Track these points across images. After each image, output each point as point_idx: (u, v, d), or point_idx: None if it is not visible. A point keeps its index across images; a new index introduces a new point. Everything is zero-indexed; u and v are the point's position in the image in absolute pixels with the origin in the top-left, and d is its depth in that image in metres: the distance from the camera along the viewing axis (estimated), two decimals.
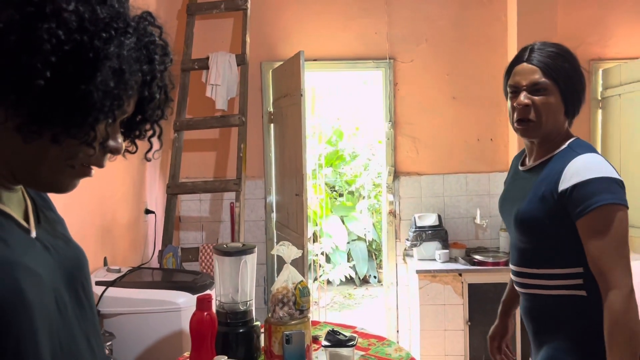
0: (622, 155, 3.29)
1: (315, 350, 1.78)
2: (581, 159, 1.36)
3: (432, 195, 3.69)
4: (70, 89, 0.63)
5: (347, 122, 6.46)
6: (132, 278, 2.39)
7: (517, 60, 1.48)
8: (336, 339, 1.66)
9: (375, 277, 6.22)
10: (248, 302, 1.81)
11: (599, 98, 3.58)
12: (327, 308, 5.41)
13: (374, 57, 3.67)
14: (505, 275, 3.14)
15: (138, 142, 0.80)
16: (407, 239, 3.55)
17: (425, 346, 3.25)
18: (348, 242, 6.06)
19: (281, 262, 3.41)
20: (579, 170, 1.33)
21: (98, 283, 2.09)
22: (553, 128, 1.44)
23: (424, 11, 3.67)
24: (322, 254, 5.69)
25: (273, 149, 3.70)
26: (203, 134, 3.59)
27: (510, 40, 3.60)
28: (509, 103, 1.50)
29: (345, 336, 1.68)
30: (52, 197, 0.82)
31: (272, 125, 3.69)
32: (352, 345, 1.63)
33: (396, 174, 3.70)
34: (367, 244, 6.15)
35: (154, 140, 0.79)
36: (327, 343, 1.66)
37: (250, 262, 1.81)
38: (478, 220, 3.57)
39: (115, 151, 0.73)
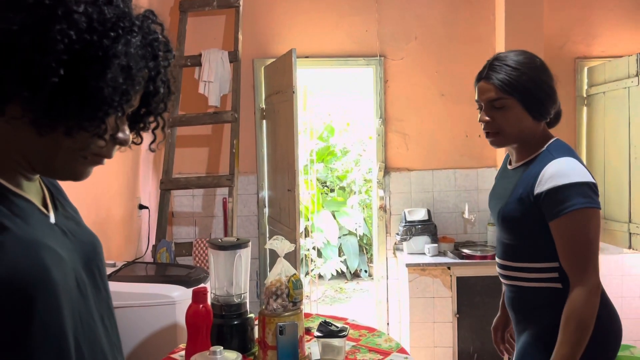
0: (606, 151, 3.37)
1: (308, 341, 1.83)
2: (556, 164, 1.42)
3: (422, 191, 3.75)
4: (81, 86, 0.67)
5: (338, 118, 6.51)
6: (127, 272, 2.42)
7: (478, 76, 1.53)
8: (328, 330, 1.71)
9: (366, 271, 6.28)
10: (242, 295, 1.86)
11: (584, 95, 3.66)
12: (319, 302, 5.47)
13: (364, 55, 3.72)
14: (492, 269, 3.17)
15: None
16: (397, 234, 3.61)
17: (415, 338, 3.32)
18: (339, 237, 6.12)
19: (273, 256, 3.46)
20: (553, 175, 1.40)
21: None
22: (522, 135, 1.50)
23: (413, 9, 3.72)
24: (313, 248, 5.74)
25: (265, 145, 3.74)
26: (196, 130, 3.62)
27: (498, 38, 3.66)
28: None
29: (337, 327, 1.73)
30: None
31: (264, 121, 3.73)
32: (344, 336, 1.69)
33: (386, 170, 3.75)
34: (358, 238, 6.21)
35: (158, 131, 0.84)
36: (319, 334, 1.71)
37: (245, 256, 1.85)
38: (466, 215, 3.64)
39: (124, 142, 0.77)
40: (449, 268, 3.30)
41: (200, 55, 3.42)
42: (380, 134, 3.75)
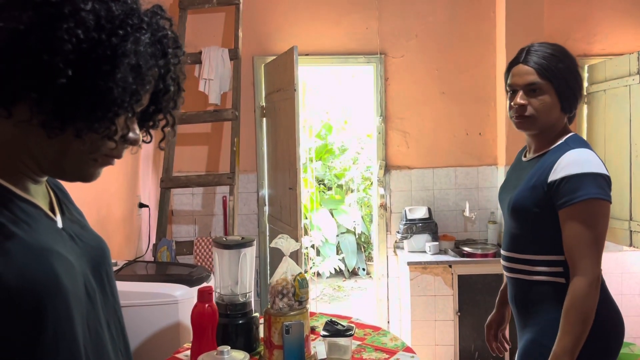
0: (606, 149, 3.38)
1: (313, 340, 1.82)
2: (573, 153, 1.44)
3: (422, 189, 3.75)
4: (90, 86, 0.65)
5: (336, 116, 6.50)
6: (128, 271, 2.41)
7: (515, 61, 1.56)
8: (334, 329, 1.70)
9: (364, 269, 6.28)
10: (247, 294, 1.85)
11: (585, 93, 3.66)
12: (317, 300, 5.46)
13: (365, 52, 3.70)
14: (493, 267, 3.22)
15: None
16: (398, 232, 3.61)
17: (416, 336, 3.31)
18: (337, 235, 6.11)
19: (275, 255, 3.45)
20: (569, 164, 1.41)
21: None
22: (548, 123, 1.52)
23: (414, 7, 3.71)
24: (312, 246, 5.73)
25: (265, 143, 3.72)
26: (195, 128, 3.60)
27: (499, 36, 3.66)
28: (508, 101, 1.58)
29: (343, 326, 1.73)
30: None
31: (264, 119, 3.71)
32: (350, 335, 1.68)
33: (387, 168, 3.75)
34: (356, 236, 6.21)
35: (167, 129, 0.82)
36: (325, 333, 1.70)
37: (250, 254, 1.84)
38: (467, 213, 3.64)
39: (135, 142, 0.75)
40: (450, 266, 3.30)
41: (200, 52, 3.40)
42: (381, 132, 3.74)
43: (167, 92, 0.76)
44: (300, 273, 1.71)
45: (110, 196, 2.67)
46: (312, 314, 2.06)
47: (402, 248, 3.60)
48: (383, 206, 3.76)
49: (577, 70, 1.53)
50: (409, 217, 3.57)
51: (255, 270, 3.68)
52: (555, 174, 1.42)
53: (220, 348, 1.48)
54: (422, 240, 3.50)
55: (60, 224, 0.76)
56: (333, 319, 1.80)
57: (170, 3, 3.61)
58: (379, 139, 3.74)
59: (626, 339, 3.28)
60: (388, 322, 3.79)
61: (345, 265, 6.16)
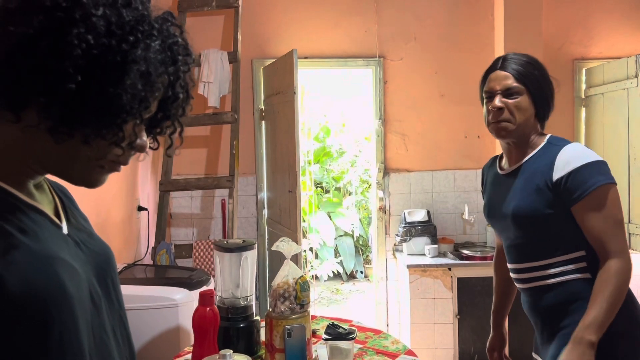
0: (604, 152, 3.39)
1: (314, 343, 1.81)
2: (569, 149, 1.47)
3: (421, 192, 3.75)
4: (99, 92, 0.64)
5: (333, 119, 6.50)
6: (128, 275, 2.40)
7: (492, 68, 1.60)
8: (336, 332, 1.70)
9: (362, 272, 6.28)
10: (248, 297, 1.84)
11: (583, 97, 3.68)
12: (315, 303, 5.45)
13: (364, 55, 3.71)
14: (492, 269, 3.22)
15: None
16: (397, 235, 3.61)
17: (416, 339, 3.31)
18: (335, 238, 6.10)
19: (274, 258, 3.45)
20: (570, 158, 1.44)
21: None
22: (526, 128, 1.54)
23: (412, 10, 3.72)
24: (310, 249, 5.73)
25: (264, 146, 3.72)
26: (195, 131, 3.59)
27: (497, 39, 3.67)
28: (484, 108, 1.61)
29: (345, 329, 1.72)
30: None
31: (263, 122, 3.71)
32: (352, 339, 1.67)
33: (386, 171, 3.75)
34: (354, 239, 6.20)
35: (174, 136, 0.81)
36: (327, 336, 1.70)
37: (251, 258, 1.84)
38: (466, 216, 3.64)
39: (142, 149, 0.75)
40: (449, 269, 3.30)
41: (199, 55, 3.40)
42: (380, 135, 3.74)
43: (176, 99, 0.76)
44: (302, 276, 1.71)
45: (110, 199, 2.67)
46: (313, 317, 2.06)
47: (401, 251, 3.60)
48: (382, 209, 3.76)
49: (550, 80, 1.57)
50: (408, 220, 3.57)
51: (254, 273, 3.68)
52: (560, 171, 1.44)
53: (222, 352, 1.47)
54: (421, 243, 3.50)
55: (65, 230, 0.75)
56: (334, 323, 1.80)
57: (169, 5, 3.61)
58: (377, 142, 3.75)
59: None
60: (387, 325, 3.79)
61: (343, 268, 6.16)
